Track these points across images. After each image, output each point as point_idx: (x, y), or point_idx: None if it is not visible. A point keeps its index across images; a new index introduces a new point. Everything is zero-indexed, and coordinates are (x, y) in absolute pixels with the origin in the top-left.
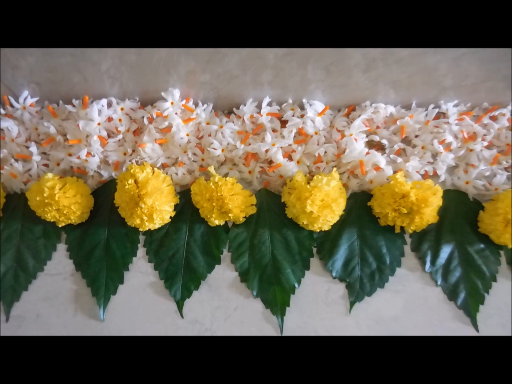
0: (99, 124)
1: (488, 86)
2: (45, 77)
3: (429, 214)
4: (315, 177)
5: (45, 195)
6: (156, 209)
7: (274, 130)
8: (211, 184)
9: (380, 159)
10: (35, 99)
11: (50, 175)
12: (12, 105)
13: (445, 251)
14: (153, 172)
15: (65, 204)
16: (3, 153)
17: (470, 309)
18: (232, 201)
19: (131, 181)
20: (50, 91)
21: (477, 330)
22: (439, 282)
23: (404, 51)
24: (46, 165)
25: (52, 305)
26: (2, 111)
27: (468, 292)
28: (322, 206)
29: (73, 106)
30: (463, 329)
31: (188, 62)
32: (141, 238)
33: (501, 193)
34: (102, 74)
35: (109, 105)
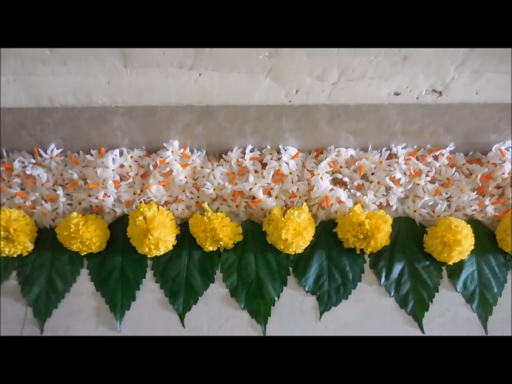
0: (113, 170)
1: (430, 131)
2: (68, 133)
3: (381, 238)
4: (288, 211)
5: (71, 230)
6: (161, 240)
7: (256, 171)
8: (205, 218)
9: (342, 194)
10: (60, 150)
11: (75, 214)
12: (41, 156)
13: (397, 267)
14: (158, 210)
15: (88, 237)
16: (34, 195)
17: (418, 314)
18: (222, 232)
19: (141, 217)
20: (72, 144)
21: (423, 332)
22: (392, 294)
23: (361, 106)
24: (70, 205)
25: (78, 319)
26: (33, 161)
27: (416, 301)
28: (295, 234)
29: (91, 155)
30: (412, 331)
31: (185, 117)
32: (149, 263)
33: (439, 220)
34: (114, 129)
35: (121, 154)
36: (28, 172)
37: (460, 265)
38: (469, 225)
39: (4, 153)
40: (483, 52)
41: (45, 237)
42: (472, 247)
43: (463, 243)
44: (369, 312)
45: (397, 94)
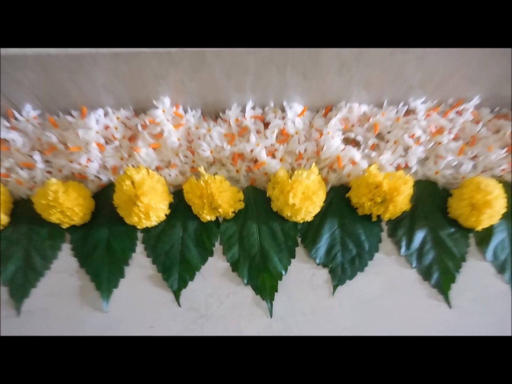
0: (97, 132)
1: (452, 83)
2: (45, 91)
3: (401, 202)
4: (296, 172)
5: (49, 198)
6: (152, 207)
7: (258, 132)
8: (201, 182)
9: (355, 153)
10: (37, 112)
11: (53, 180)
12: (16, 118)
13: (419, 236)
14: (148, 174)
15: (68, 206)
16: (9, 162)
17: (443, 287)
18: (221, 197)
19: (128, 182)
20: (51, 104)
21: (450, 306)
22: (414, 265)
23: (374, 53)
24: (49, 172)
25: (59, 300)
26: (7, 124)
27: (441, 272)
28: (303, 198)
29: (73, 116)
30: (438, 306)
31: (176, 72)
32: (140, 235)
33: (466, 180)
34: (97, 86)
35: (106, 114)
36: (1, 137)
37: (489, 231)
38: (500, 185)
39: None
40: None
41: (22, 209)
42: (504, 210)
43: (494, 204)
44: (389, 285)
45: None
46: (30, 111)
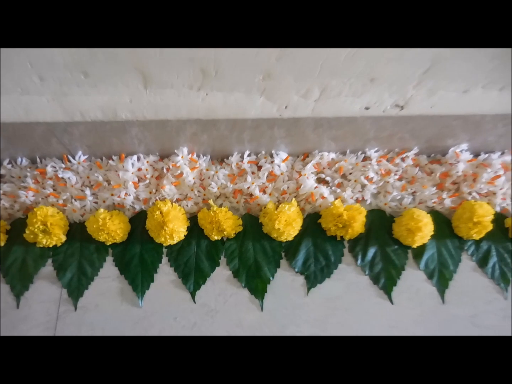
0: (132, 173)
1: (397, 138)
2: (93, 141)
3: (357, 226)
4: (280, 205)
5: (99, 224)
6: (175, 230)
7: (253, 173)
8: (211, 212)
9: (325, 190)
10: (86, 156)
11: (101, 210)
12: (70, 161)
13: (371, 251)
14: (172, 206)
15: (113, 229)
16: (66, 195)
17: (388, 289)
18: (226, 223)
19: (158, 212)
20: (96, 151)
21: (392, 303)
22: (367, 272)
23: (340, 118)
24: (96, 203)
25: (105, 298)
26: (63, 165)
27: (386, 278)
28: (286, 224)
29: (113, 161)
30: (383, 303)
31: (192, 127)
32: (164, 250)
33: (405, 211)
34: (132, 138)
35: (138, 159)
36: (59, 175)
37: (422, 248)
38: (429, 215)
39: (38, 160)
40: (435, 73)
41: (75, 230)
42: (432, 233)
43: (424, 229)
44: (348, 288)
45: (367, 108)
46: (81, 156)
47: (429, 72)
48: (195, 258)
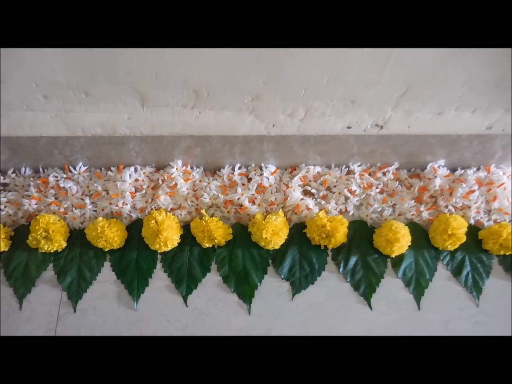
0: (129, 183)
1: (379, 153)
2: (92, 153)
3: (340, 237)
4: (267, 216)
5: (98, 231)
6: (169, 238)
7: (243, 185)
8: (203, 221)
9: (310, 202)
10: (86, 167)
11: (100, 218)
12: (71, 171)
13: (353, 259)
14: (166, 215)
15: (111, 236)
16: (66, 203)
17: (367, 296)
18: (216, 232)
19: (153, 221)
20: (96, 162)
21: (371, 308)
22: (348, 280)
23: (323, 137)
24: (95, 211)
25: (103, 301)
26: (64, 175)
27: (366, 285)
28: (273, 234)
29: (112, 171)
30: (363, 308)
31: (186, 142)
32: (159, 257)
33: (385, 222)
34: (130, 151)
35: (135, 170)
36: (61, 185)
37: (401, 257)
38: (406, 227)
39: (41, 170)
40: (410, 96)
41: (75, 236)
42: (409, 244)
43: (401, 240)
44: (331, 294)
45: (349, 127)
46: (81, 167)
47: (405, 96)
48: (188, 265)
